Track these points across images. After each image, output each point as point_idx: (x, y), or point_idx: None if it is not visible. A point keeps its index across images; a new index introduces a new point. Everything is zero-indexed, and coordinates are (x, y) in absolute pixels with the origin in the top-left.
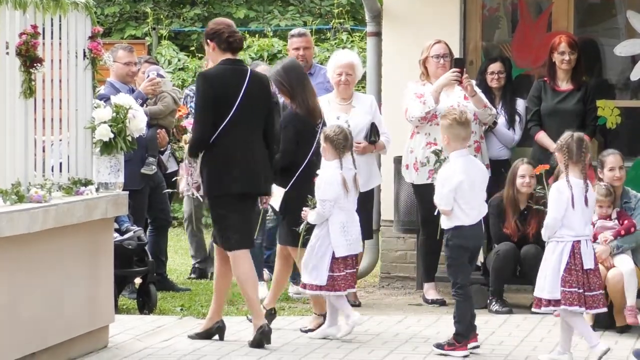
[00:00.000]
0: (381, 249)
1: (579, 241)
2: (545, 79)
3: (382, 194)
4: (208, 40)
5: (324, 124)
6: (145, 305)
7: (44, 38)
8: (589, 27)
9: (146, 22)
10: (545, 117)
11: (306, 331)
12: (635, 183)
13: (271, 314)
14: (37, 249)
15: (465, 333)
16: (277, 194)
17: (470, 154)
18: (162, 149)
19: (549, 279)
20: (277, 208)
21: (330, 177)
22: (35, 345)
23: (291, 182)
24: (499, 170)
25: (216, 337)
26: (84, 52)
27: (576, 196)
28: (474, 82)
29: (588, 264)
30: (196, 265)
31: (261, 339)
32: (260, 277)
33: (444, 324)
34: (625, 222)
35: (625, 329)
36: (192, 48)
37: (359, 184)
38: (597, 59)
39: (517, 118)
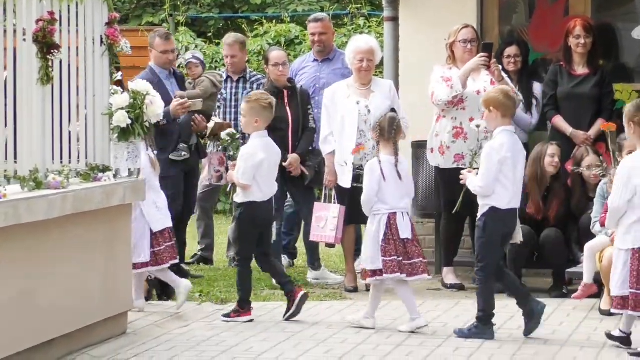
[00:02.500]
0: None
1: (394, 213)
2: (562, 63)
3: None
4: None
5: None
6: (165, 291)
7: (60, 25)
8: (606, 12)
9: (163, 9)
10: (562, 101)
11: None
12: None
13: None
14: (55, 235)
15: (246, 298)
16: None
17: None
18: (202, 134)
19: (369, 250)
20: None
21: (142, 160)
22: (54, 332)
23: None
24: None
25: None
26: (101, 39)
27: (387, 172)
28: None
29: (404, 234)
30: (198, 253)
31: None
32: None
33: (463, 309)
34: None
35: None
36: (209, 34)
37: (157, 165)
38: (615, 43)
39: (534, 102)
